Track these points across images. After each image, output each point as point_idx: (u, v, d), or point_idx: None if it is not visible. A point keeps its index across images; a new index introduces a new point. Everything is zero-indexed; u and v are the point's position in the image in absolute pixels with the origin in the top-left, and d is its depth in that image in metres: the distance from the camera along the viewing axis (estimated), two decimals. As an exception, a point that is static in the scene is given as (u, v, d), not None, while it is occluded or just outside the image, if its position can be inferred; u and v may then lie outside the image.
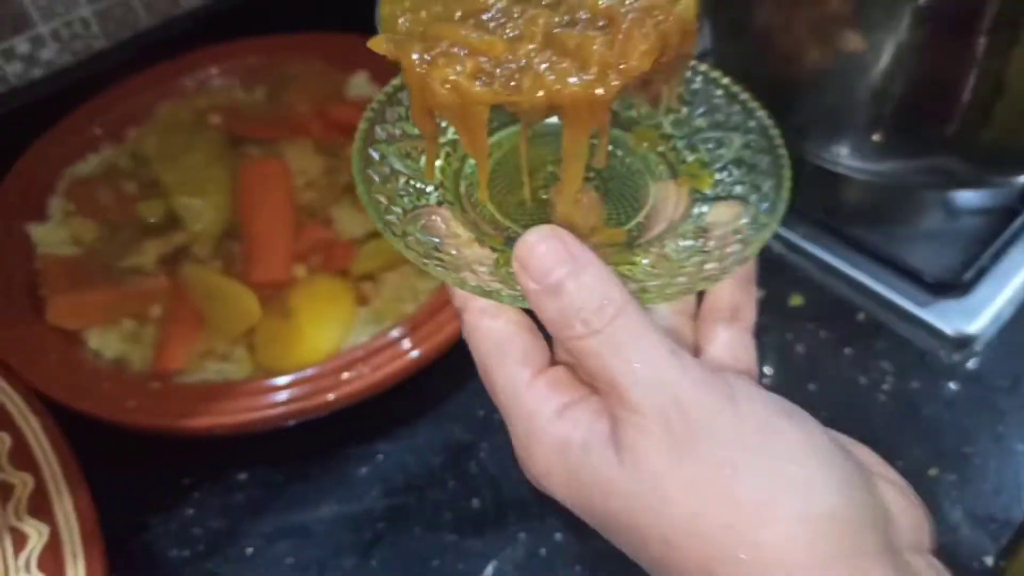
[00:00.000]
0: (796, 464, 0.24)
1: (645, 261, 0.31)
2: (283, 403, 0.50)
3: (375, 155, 0.32)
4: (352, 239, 0.61)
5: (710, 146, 0.36)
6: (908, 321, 0.63)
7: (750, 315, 0.32)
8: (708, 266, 0.29)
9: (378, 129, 0.33)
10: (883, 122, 0.60)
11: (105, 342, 0.56)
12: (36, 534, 0.44)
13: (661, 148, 0.36)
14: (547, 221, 0.29)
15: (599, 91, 0.25)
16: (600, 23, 0.26)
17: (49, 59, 0.70)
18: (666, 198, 0.34)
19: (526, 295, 0.26)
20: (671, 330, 0.31)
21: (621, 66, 0.25)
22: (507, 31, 0.27)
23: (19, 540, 0.44)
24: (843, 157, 0.65)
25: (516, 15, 0.27)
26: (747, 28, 0.65)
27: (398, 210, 0.31)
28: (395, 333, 0.53)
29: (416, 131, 0.32)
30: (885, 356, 0.61)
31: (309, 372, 0.51)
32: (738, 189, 0.33)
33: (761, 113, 0.36)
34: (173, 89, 0.72)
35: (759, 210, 0.32)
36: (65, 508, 0.45)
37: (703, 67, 0.37)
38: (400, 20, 0.28)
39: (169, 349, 0.55)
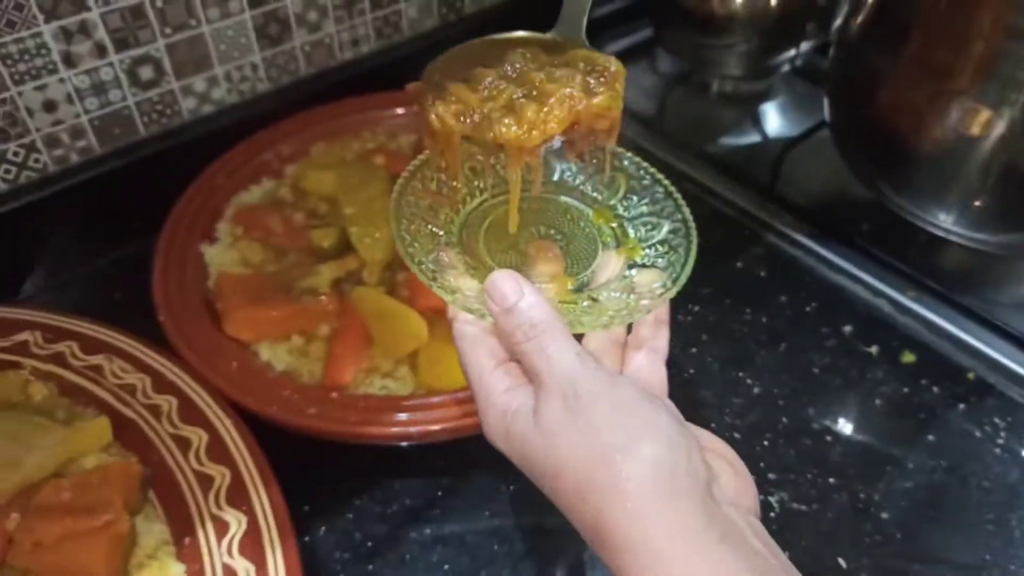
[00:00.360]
0: (646, 428, 0.35)
1: (584, 304, 0.43)
2: (451, 418, 0.55)
3: (409, 201, 0.45)
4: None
5: (646, 228, 0.48)
6: (1017, 383, 0.66)
7: (662, 347, 0.43)
8: (625, 312, 0.42)
9: (415, 183, 0.46)
10: (986, 191, 0.65)
11: (276, 355, 0.61)
12: (236, 522, 0.48)
13: (613, 224, 0.49)
14: (524, 265, 0.45)
15: (525, 139, 0.40)
16: (543, 99, 0.41)
17: (219, 98, 0.78)
18: (609, 262, 0.46)
19: (490, 312, 0.39)
20: (601, 350, 0.42)
21: (544, 127, 0.40)
22: (486, 93, 0.42)
23: (220, 527, 0.48)
24: (950, 224, 0.69)
25: (499, 86, 0.42)
26: (864, 105, 0.70)
27: (418, 245, 0.43)
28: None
29: (435, 188, 0.46)
30: (997, 413, 0.64)
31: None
32: (660, 262, 0.46)
33: (686, 210, 0.47)
34: (326, 131, 0.79)
35: (670, 278, 0.44)
36: (261, 499, 0.49)
37: (652, 169, 0.49)
38: (434, 77, 0.43)
39: (339, 364, 0.59)
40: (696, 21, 0.88)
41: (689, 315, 0.71)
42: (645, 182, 0.50)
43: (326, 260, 0.64)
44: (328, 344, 0.62)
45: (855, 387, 0.66)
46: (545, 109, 0.40)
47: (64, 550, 0.44)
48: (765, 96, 0.95)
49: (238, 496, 0.49)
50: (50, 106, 0.67)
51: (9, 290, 0.70)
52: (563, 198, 0.51)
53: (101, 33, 0.67)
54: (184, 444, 0.52)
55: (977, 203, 0.66)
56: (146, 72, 0.71)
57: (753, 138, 0.92)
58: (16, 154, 0.68)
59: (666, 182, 0.49)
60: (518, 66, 0.43)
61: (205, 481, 0.50)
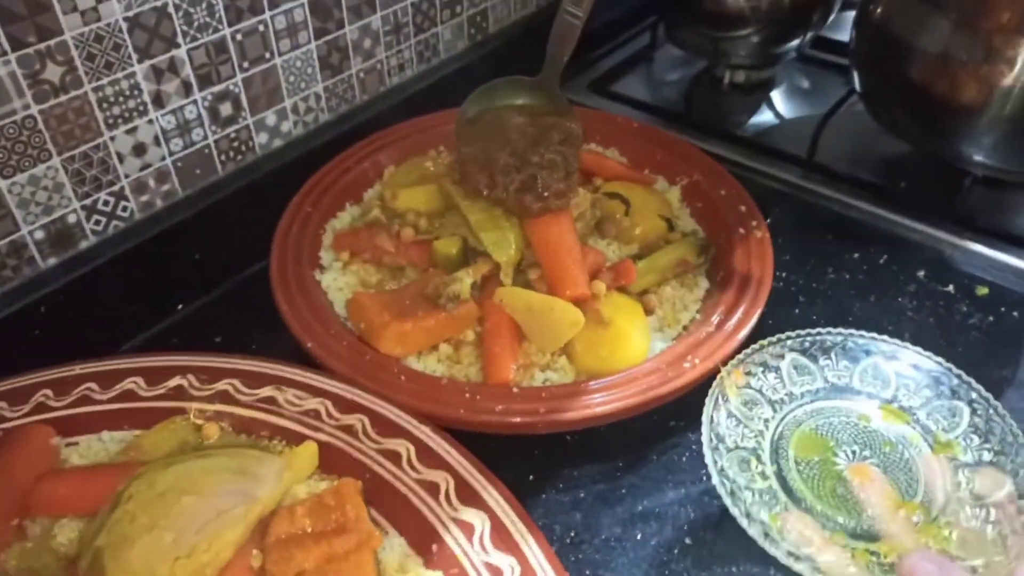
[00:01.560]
0: None
1: (952, 535, 0.40)
2: (634, 394, 0.56)
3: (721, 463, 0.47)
4: (614, 262, 0.68)
5: (944, 417, 0.48)
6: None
7: None
8: (1010, 541, 0.39)
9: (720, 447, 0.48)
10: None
11: (427, 366, 0.61)
12: (479, 521, 0.47)
13: (908, 422, 0.49)
14: (850, 494, 0.46)
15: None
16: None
17: (287, 130, 0.77)
18: (931, 468, 0.45)
19: None
20: None
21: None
22: None
23: (465, 528, 0.47)
24: (988, 162, 0.77)
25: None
26: (896, 70, 0.78)
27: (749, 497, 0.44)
28: (709, 329, 0.60)
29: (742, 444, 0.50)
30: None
31: (655, 365, 0.57)
32: (986, 455, 0.44)
33: (977, 385, 0.48)
34: (396, 153, 0.80)
35: (1014, 474, 0.42)
36: (494, 496, 0.49)
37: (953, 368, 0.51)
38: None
39: (498, 363, 0.59)
40: (709, 15, 0.94)
41: (780, 281, 0.75)
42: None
43: (453, 269, 0.65)
44: (476, 348, 0.62)
45: (948, 322, 0.72)
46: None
47: (332, 574, 0.43)
48: (773, 84, 1.03)
49: (470, 496, 0.49)
50: (140, 150, 0.65)
51: (109, 342, 0.66)
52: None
53: (187, 70, 0.65)
54: (393, 457, 0.50)
55: (1013, 139, 0.74)
56: (226, 108, 0.70)
57: (773, 119, 0.98)
58: (106, 203, 0.65)
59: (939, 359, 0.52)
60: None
61: (430, 488, 0.49)
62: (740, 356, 0.54)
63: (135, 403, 0.54)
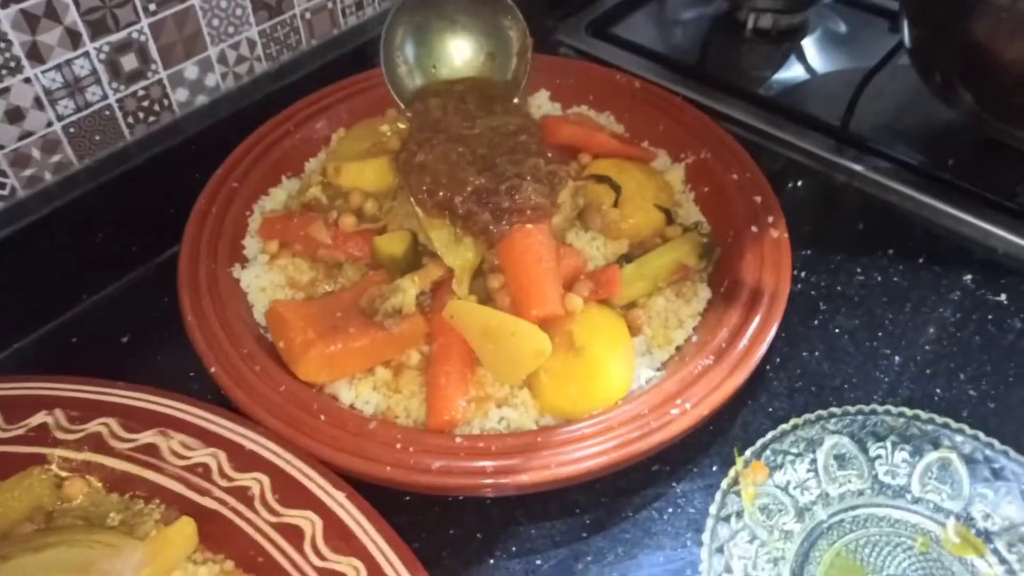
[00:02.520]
0: None
1: None
2: (615, 448, 0.45)
3: None
4: (596, 267, 0.56)
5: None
6: None
7: None
8: None
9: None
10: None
11: (360, 394, 0.50)
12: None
13: (987, 558, 0.39)
14: None
15: None
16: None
17: (214, 84, 0.64)
18: None
19: None
20: None
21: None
22: None
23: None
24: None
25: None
26: (956, 25, 0.63)
27: None
28: (706, 361, 0.49)
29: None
30: None
31: (636, 409, 0.46)
32: None
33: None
34: (347, 113, 0.67)
35: None
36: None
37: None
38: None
39: (443, 398, 0.49)
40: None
41: (798, 283, 0.63)
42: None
43: (399, 271, 0.53)
44: (422, 373, 0.51)
45: (998, 343, 0.59)
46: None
47: None
48: (804, 30, 0.87)
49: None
50: (15, 115, 0.53)
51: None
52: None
53: (72, 15, 0.52)
54: (295, 535, 0.40)
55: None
56: (129, 61, 0.57)
57: (803, 75, 0.83)
58: (-24, 181, 0.53)
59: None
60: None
61: (334, 580, 0.39)
62: (764, 440, 0.42)
63: (-11, 445, 0.44)
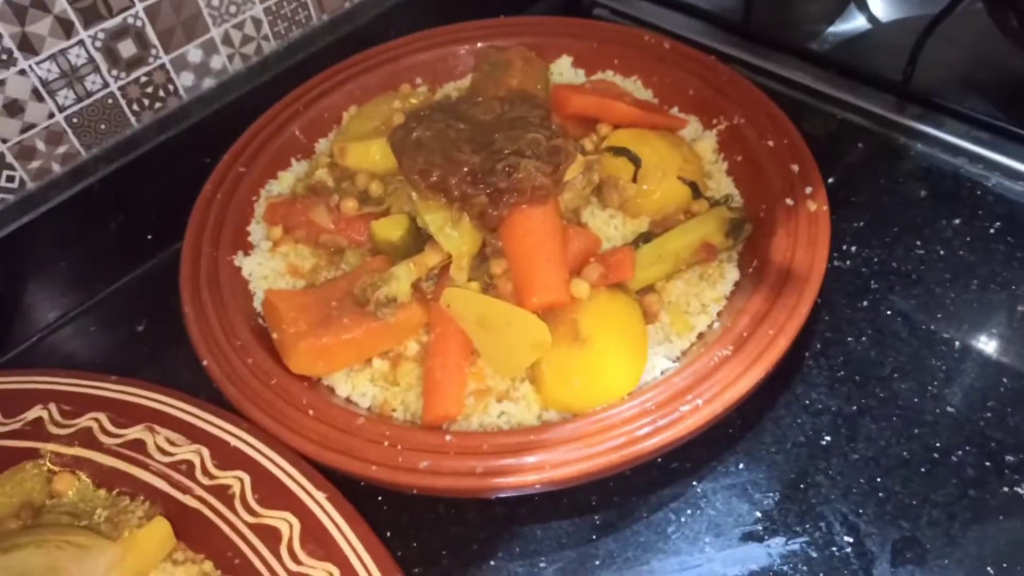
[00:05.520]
0: None
1: None
2: (615, 449, 0.41)
3: None
4: (613, 247, 0.52)
5: None
6: None
7: None
8: None
9: None
10: None
11: (356, 387, 0.48)
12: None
13: None
14: None
15: None
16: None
17: (220, 67, 0.62)
18: None
19: None
20: None
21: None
22: None
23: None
24: None
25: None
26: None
27: None
28: (723, 351, 0.44)
29: None
30: None
31: (642, 405, 0.42)
32: None
33: None
34: (357, 91, 0.64)
35: None
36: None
37: None
38: None
39: (440, 392, 0.46)
40: None
41: (848, 258, 0.57)
42: None
43: (399, 257, 0.50)
44: (420, 364, 0.48)
45: (1079, 325, 0.52)
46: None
47: None
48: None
49: (356, 604, 0.36)
50: (14, 108, 0.53)
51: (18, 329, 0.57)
52: None
53: (62, 4, 0.51)
54: (272, 536, 0.39)
55: None
56: (127, 47, 0.56)
57: (862, 25, 0.75)
58: (-16, 175, 0.54)
59: None
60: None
61: (305, 586, 0.37)
62: None
63: (-14, 439, 0.45)
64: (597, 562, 0.45)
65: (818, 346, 0.52)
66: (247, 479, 0.41)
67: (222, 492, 0.40)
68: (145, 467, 0.42)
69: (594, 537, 0.46)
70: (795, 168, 0.53)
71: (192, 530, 0.40)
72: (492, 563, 0.45)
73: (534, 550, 0.45)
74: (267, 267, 0.54)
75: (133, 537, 0.38)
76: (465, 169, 0.49)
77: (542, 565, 0.45)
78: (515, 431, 0.44)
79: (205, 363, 0.47)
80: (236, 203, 0.57)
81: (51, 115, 0.55)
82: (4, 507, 0.40)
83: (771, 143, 0.55)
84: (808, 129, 0.59)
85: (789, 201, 0.52)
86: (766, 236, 0.51)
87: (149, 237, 0.61)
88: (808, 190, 0.52)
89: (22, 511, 0.41)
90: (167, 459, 0.42)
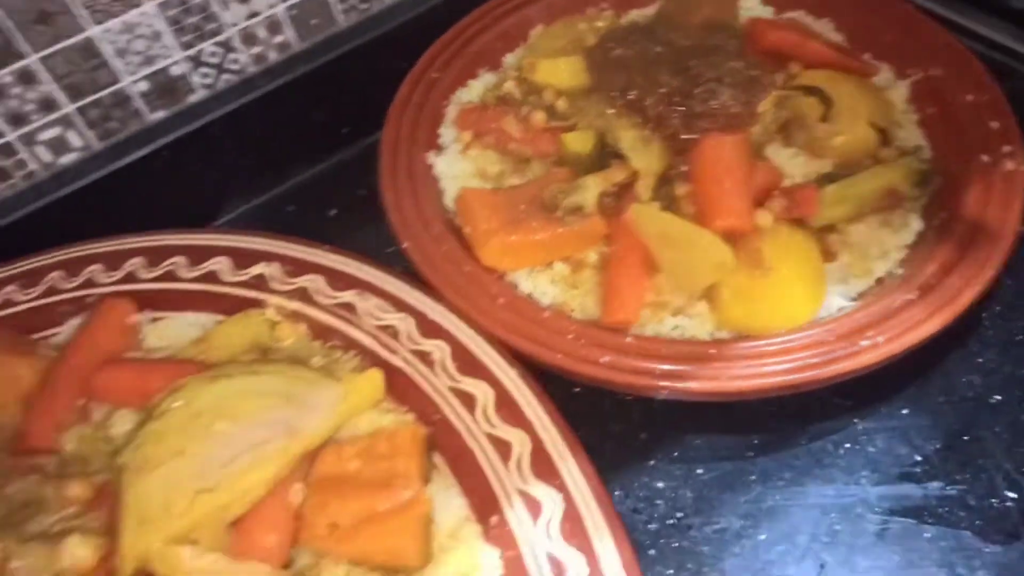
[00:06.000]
0: None
1: None
2: (790, 371, 0.43)
3: None
4: (794, 184, 0.53)
5: None
6: None
7: None
8: None
9: None
10: None
11: (537, 286, 0.51)
12: (550, 501, 0.39)
13: None
14: None
15: None
16: None
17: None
18: None
19: None
20: None
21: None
22: None
23: (532, 506, 0.39)
24: None
25: None
26: None
27: None
28: (908, 296, 0.45)
29: None
30: None
31: (821, 334, 0.44)
32: None
33: None
34: (545, 10, 0.66)
35: None
36: (572, 473, 0.40)
37: None
38: None
39: (618, 298, 0.49)
40: None
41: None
42: None
43: (584, 170, 0.53)
44: (598, 273, 0.51)
45: None
46: None
47: (366, 535, 0.37)
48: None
49: (544, 468, 0.40)
50: (246, -6, 0.57)
51: (204, 214, 0.63)
52: None
53: (301, -103, 0.55)
54: (468, 400, 0.43)
55: None
56: (347, -55, 0.60)
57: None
58: (213, 54, 0.58)
59: None
60: None
61: (502, 447, 0.41)
62: None
63: (217, 286, 0.50)
64: (752, 477, 0.47)
65: (997, 308, 0.51)
66: (447, 348, 0.45)
67: (424, 356, 0.45)
68: (356, 326, 0.47)
69: (751, 454, 0.48)
70: (995, 125, 0.53)
71: (397, 386, 0.44)
72: (651, 463, 0.48)
73: (692, 456, 0.48)
74: (456, 168, 0.58)
75: (353, 380, 0.43)
76: (663, 90, 0.50)
77: (699, 472, 0.48)
78: (696, 342, 0.46)
79: (405, 245, 0.51)
80: (430, 106, 0.60)
81: (272, 5, 0.59)
82: (237, 345, 0.46)
83: (970, 97, 0.54)
84: (1007, 90, 0.57)
85: (985, 158, 0.51)
86: (957, 190, 0.51)
87: (344, 131, 0.65)
88: (1007, 148, 0.51)
89: (252, 349, 0.46)
90: (376, 322, 0.47)
